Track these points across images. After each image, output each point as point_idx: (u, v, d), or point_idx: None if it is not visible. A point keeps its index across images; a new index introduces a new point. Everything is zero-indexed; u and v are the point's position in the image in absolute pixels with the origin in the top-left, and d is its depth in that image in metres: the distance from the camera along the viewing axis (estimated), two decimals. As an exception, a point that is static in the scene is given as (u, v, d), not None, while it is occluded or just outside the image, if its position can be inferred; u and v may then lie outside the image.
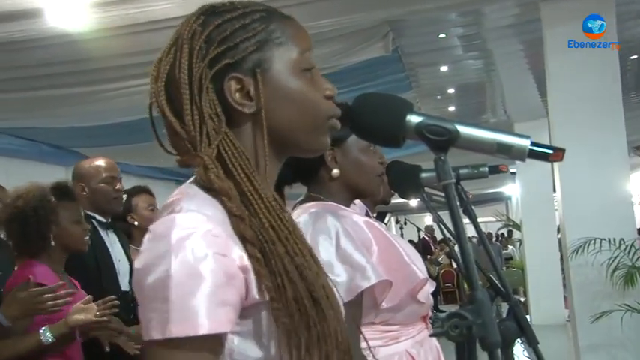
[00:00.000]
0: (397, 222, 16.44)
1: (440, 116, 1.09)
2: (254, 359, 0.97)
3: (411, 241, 7.48)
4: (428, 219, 21.77)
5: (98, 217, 3.05)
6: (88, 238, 2.77)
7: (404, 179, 2.11)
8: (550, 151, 1.05)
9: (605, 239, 4.85)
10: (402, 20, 5.58)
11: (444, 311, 8.39)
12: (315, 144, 1.10)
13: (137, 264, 0.94)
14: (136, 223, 3.41)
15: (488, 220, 14.54)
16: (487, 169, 2.15)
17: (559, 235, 12.33)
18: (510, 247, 14.46)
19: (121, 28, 4.03)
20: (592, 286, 5.05)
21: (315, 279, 1.00)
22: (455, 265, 13.77)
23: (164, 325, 0.88)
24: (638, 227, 6.35)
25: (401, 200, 2.59)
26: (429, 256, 12.53)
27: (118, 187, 3.06)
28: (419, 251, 2.33)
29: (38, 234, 2.62)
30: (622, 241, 4.87)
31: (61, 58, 4.39)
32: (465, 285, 7.13)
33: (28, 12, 3.42)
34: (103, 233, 3.05)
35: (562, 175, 5.35)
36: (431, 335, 2.00)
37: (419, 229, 11.57)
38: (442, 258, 14.26)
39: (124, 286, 3.04)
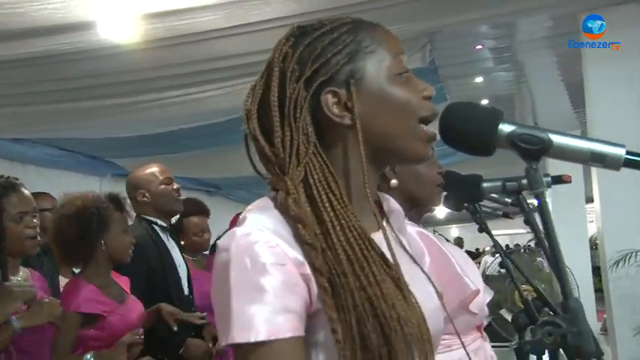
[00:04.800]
0: (425, 233, 16.35)
1: (532, 125, 1.10)
2: None
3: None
4: (454, 231, 21.69)
5: (160, 222, 3.10)
6: (132, 250, 2.82)
7: (464, 189, 2.11)
8: (646, 160, 1.04)
9: (646, 251, 4.80)
10: (437, 32, 5.58)
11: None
12: (413, 149, 1.10)
13: (212, 276, 1.01)
14: (182, 242, 3.46)
15: (519, 232, 14.43)
16: (550, 179, 2.13)
17: (593, 248, 12.18)
18: (539, 259, 14.28)
19: (165, 40, 4.08)
20: (633, 299, 4.99)
21: (389, 310, 0.97)
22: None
23: (227, 332, 0.93)
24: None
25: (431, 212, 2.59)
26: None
27: (176, 186, 3.14)
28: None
29: (95, 234, 2.67)
30: (664, 254, 4.82)
31: (103, 70, 4.45)
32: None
33: (81, 24, 3.49)
34: (164, 237, 3.10)
35: (601, 187, 5.31)
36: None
37: (447, 241, 11.48)
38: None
39: (185, 290, 3.10)
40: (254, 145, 1.06)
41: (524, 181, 2.06)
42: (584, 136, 1.07)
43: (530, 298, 2.33)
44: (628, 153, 1.04)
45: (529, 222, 1.95)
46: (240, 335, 0.91)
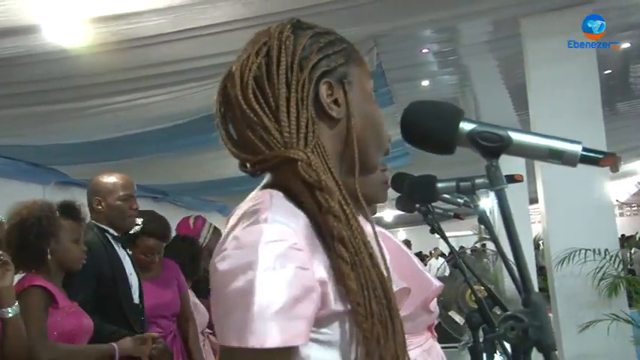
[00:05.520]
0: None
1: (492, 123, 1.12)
2: None
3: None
4: (402, 234, 21.94)
5: (111, 231, 3.07)
6: (84, 259, 2.78)
7: (418, 190, 2.13)
8: (601, 156, 1.08)
9: (590, 250, 4.93)
10: (384, 36, 5.65)
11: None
12: (375, 162, 1.15)
13: (220, 267, 0.95)
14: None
15: (465, 234, 14.70)
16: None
17: (536, 248, 12.43)
18: (485, 260, 14.58)
19: (112, 44, 4.00)
20: (577, 297, 5.12)
21: (390, 290, 1.02)
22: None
23: (242, 334, 0.89)
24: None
25: (375, 214, 2.62)
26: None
27: (134, 206, 3.08)
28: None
29: (37, 244, 2.63)
30: (607, 252, 4.96)
31: (51, 75, 4.34)
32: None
33: (25, 28, 3.39)
34: (115, 246, 3.07)
35: (545, 187, 5.44)
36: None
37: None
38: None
39: (135, 299, 3.07)
40: (247, 116, 1.03)
41: (478, 181, 2.10)
42: (542, 133, 1.10)
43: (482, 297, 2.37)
44: (584, 149, 1.07)
45: (483, 220, 1.98)
46: (255, 340, 0.89)
